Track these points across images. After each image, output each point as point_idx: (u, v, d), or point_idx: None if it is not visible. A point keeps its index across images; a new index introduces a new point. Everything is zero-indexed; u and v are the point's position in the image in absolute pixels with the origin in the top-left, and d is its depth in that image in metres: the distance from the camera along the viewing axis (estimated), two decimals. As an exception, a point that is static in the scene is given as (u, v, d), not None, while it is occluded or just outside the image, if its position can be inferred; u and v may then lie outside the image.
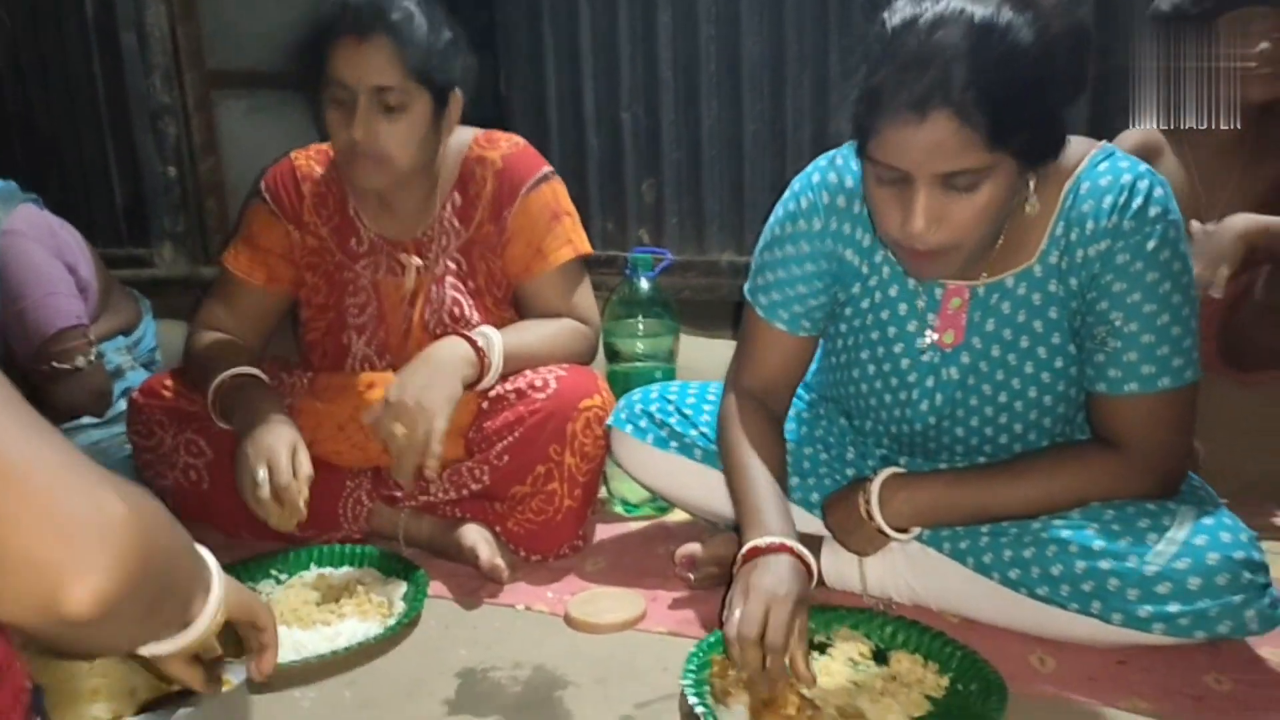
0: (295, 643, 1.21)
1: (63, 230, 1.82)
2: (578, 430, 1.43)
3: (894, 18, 1.00)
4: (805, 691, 1.03)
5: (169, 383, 1.57)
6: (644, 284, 1.71)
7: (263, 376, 1.44)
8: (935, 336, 1.23)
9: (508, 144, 1.54)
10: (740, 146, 2.24)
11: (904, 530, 1.20)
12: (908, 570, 1.25)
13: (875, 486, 1.19)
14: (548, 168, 1.55)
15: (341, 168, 1.44)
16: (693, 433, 1.39)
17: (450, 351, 1.38)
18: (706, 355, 1.90)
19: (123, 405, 1.80)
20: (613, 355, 1.74)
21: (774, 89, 2.19)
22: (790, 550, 1.09)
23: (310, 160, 1.56)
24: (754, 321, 1.32)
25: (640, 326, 1.71)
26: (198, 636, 0.73)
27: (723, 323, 2.12)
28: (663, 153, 2.28)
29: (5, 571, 0.48)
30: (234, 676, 0.89)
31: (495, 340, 1.41)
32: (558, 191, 1.54)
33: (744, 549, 1.11)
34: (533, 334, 1.49)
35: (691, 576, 1.37)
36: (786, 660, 1.00)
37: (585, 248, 1.54)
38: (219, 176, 2.73)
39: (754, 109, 2.21)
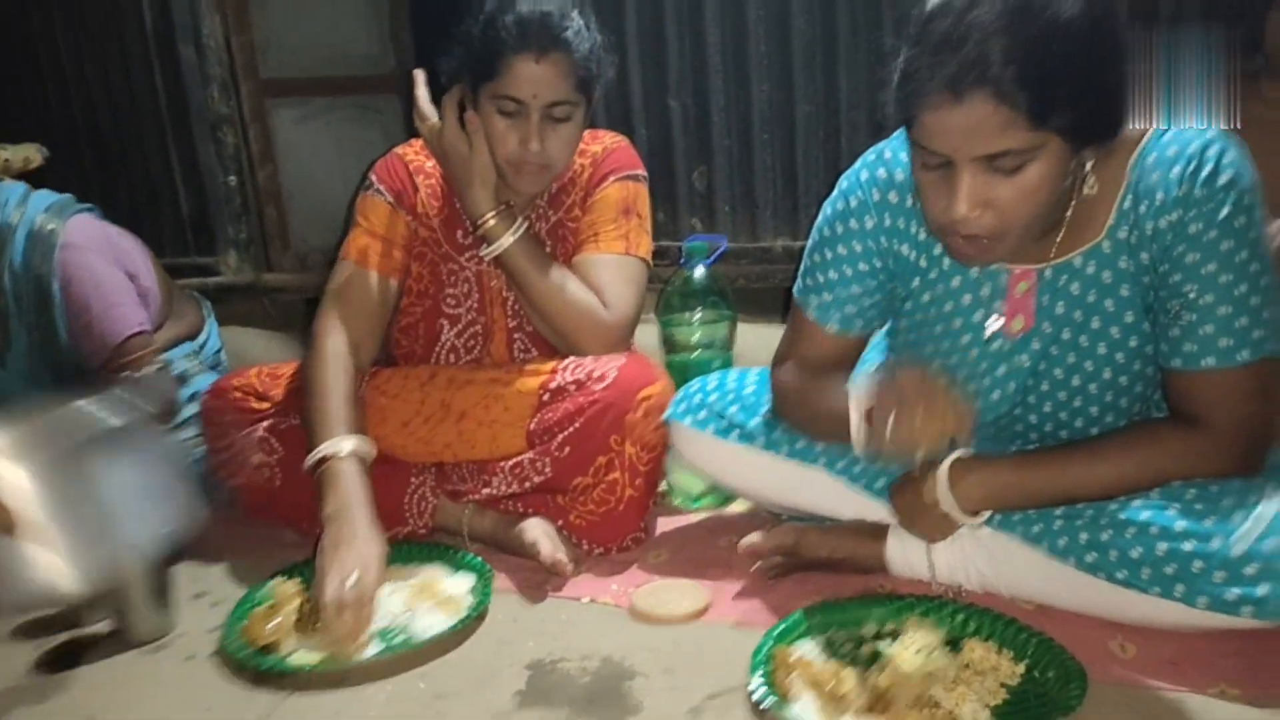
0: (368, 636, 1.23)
1: (121, 238, 1.84)
2: (638, 420, 1.43)
3: (930, 1, 0.99)
4: (879, 682, 1.02)
5: (237, 382, 1.61)
6: (699, 273, 1.70)
7: (369, 449, 1.38)
8: (1003, 323, 1.19)
9: (611, 139, 1.60)
10: (792, 129, 2.21)
11: (973, 514, 1.17)
12: (978, 556, 1.22)
13: (943, 470, 1.16)
14: (642, 171, 1.59)
15: (503, 172, 1.47)
16: (753, 421, 1.38)
17: None
18: (763, 343, 1.88)
19: (190, 409, 1.85)
20: (670, 346, 1.74)
21: (826, 68, 2.16)
22: None
23: (418, 155, 1.59)
24: (803, 323, 1.30)
25: (696, 316, 1.70)
26: None
27: (778, 309, 2.11)
28: (713, 139, 2.26)
29: None
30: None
31: None
32: (639, 193, 1.58)
33: None
34: (553, 272, 1.49)
35: (757, 566, 1.36)
36: None
37: (638, 251, 1.55)
38: (276, 184, 2.78)
39: (806, 90, 2.17)
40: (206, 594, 1.46)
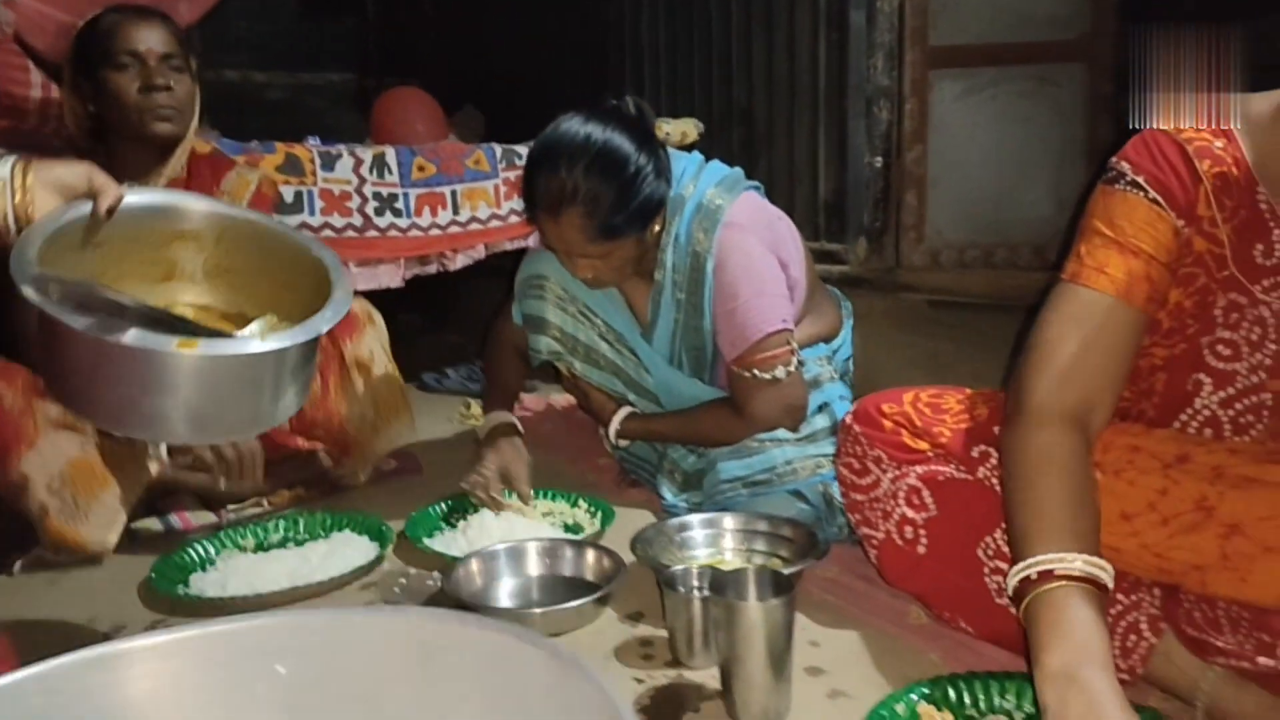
0: None
1: (780, 222, 1.70)
2: None
3: None
4: None
5: (888, 407, 1.26)
6: None
7: (1108, 577, 0.91)
8: None
9: None
10: None
11: None
12: None
13: None
14: None
15: None
16: None
17: None
18: None
19: (819, 422, 1.59)
20: None
21: None
22: None
23: (1199, 131, 1.05)
24: None
25: None
26: None
27: None
28: None
29: None
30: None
31: None
32: None
33: None
34: None
35: None
36: None
37: None
38: (923, 168, 2.45)
39: None
40: (822, 671, 1.15)
